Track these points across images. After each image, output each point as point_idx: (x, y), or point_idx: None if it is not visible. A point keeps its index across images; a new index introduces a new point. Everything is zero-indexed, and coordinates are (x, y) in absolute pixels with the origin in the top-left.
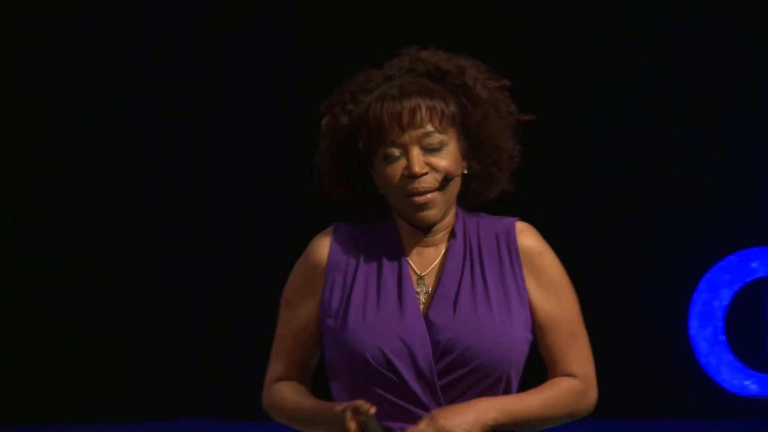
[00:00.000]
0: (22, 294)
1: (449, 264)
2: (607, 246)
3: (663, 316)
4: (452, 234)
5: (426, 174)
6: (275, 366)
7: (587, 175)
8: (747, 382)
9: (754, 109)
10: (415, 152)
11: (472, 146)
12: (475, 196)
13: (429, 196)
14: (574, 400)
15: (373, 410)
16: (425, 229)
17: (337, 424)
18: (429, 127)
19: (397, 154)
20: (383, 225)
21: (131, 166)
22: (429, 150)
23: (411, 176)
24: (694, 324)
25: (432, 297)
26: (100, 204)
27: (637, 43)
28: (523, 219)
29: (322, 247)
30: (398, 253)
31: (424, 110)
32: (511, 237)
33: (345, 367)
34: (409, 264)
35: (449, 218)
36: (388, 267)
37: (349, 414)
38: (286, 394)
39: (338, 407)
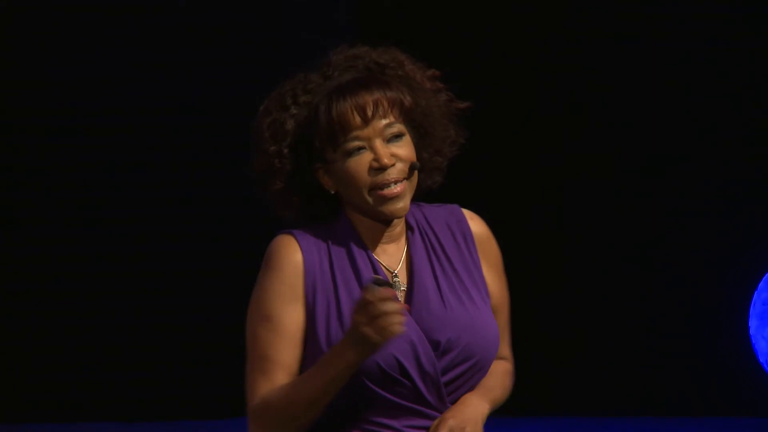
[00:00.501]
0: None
1: (416, 258)
2: (670, 246)
3: (723, 315)
4: (408, 227)
5: (393, 165)
6: (262, 383)
7: (654, 174)
8: None
9: None
10: (380, 144)
11: (419, 136)
12: (420, 185)
13: (399, 187)
14: (511, 382)
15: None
16: (384, 226)
17: (351, 340)
18: (391, 118)
19: (360, 147)
20: (338, 226)
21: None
22: (390, 140)
23: (380, 168)
24: (753, 323)
25: (412, 294)
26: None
27: (702, 40)
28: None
29: (293, 252)
30: (366, 253)
31: (386, 102)
32: (463, 224)
33: (353, 378)
34: (380, 263)
35: None
36: (363, 268)
37: (356, 308)
38: (280, 389)
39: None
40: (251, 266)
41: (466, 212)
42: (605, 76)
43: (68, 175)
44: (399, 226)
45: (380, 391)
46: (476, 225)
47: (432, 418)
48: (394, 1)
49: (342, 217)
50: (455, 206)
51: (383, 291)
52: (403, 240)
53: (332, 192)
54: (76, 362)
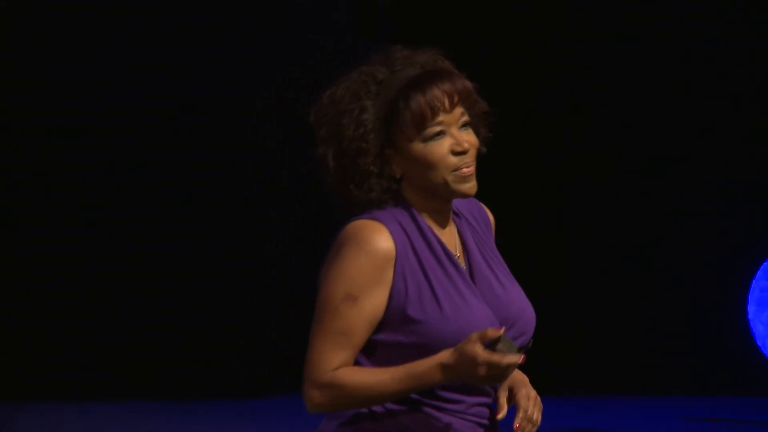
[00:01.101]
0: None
1: (468, 242)
2: (673, 241)
3: (724, 301)
4: (454, 213)
5: (470, 150)
6: (332, 358)
7: (654, 173)
8: None
9: None
10: (457, 130)
11: (473, 126)
12: None
13: (473, 168)
14: None
15: (502, 330)
16: (442, 210)
17: (461, 365)
18: (464, 108)
19: (441, 132)
20: (401, 211)
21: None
22: (462, 128)
23: (461, 152)
24: (752, 309)
25: (473, 275)
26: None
27: (700, 40)
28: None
29: (386, 239)
30: (435, 238)
31: (464, 92)
32: (483, 213)
33: (440, 349)
34: (446, 247)
35: None
36: (438, 252)
37: (479, 349)
38: (362, 373)
39: (455, 352)
40: (250, 263)
41: (480, 203)
42: (605, 76)
43: (68, 168)
44: (449, 213)
45: None
46: (491, 215)
47: (490, 394)
48: (393, 1)
49: (402, 202)
50: (473, 198)
51: (514, 357)
52: (452, 225)
53: (398, 176)
54: (87, 342)
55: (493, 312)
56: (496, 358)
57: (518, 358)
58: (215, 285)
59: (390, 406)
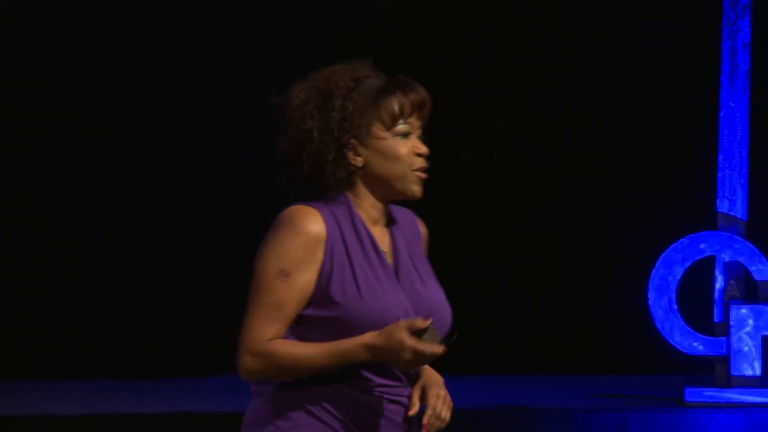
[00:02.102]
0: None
1: (398, 243)
2: (587, 234)
3: (628, 289)
4: (390, 217)
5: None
6: (266, 328)
7: (582, 177)
8: (695, 344)
9: (705, 116)
10: (417, 138)
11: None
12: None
13: (425, 174)
14: None
15: (429, 322)
16: (379, 209)
17: (386, 348)
18: (423, 122)
19: (409, 132)
20: (338, 205)
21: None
22: (420, 138)
23: (421, 155)
24: (652, 295)
25: (399, 272)
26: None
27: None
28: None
29: (317, 223)
30: (366, 231)
31: (430, 108)
32: (416, 225)
33: (357, 329)
34: (375, 240)
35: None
36: (366, 243)
37: (405, 336)
38: (294, 345)
39: (382, 334)
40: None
41: (414, 214)
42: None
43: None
44: (385, 215)
45: None
46: (423, 228)
47: (399, 377)
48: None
49: (340, 198)
50: (407, 209)
51: (438, 348)
52: (385, 227)
53: (360, 165)
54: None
55: (411, 304)
56: (422, 346)
57: (441, 349)
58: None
59: (305, 380)
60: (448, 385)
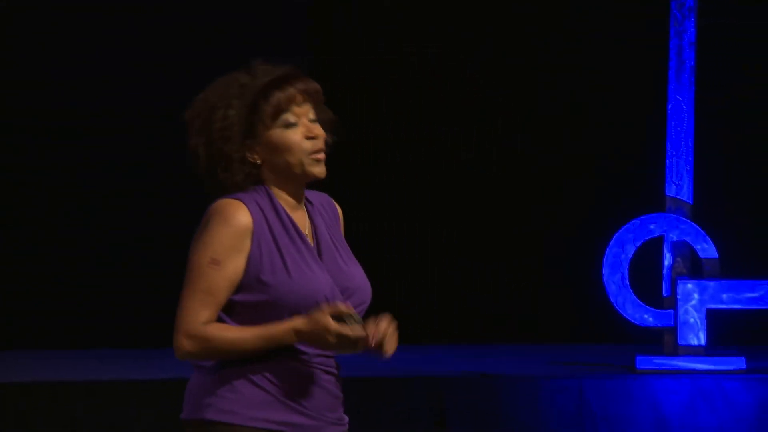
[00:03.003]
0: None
1: (318, 225)
2: (551, 213)
3: (584, 266)
4: (306, 200)
5: (320, 137)
6: (200, 312)
7: (541, 161)
8: (646, 316)
9: (653, 110)
10: (308, 122)
11: (320, 122)
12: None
13: (323, 155)
14: None
15: (351, 309)
16: (296, 195)
17: (312, 332)
18: (312, 105)
19: (295, 122)
20: (260, 195)
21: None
22: (312, 121)
23: (312, 138)
24: (606, 272)
25: (321, 252)
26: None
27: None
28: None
29: (244, 215)
30: (288, 217)
31: (314, 92)
32: (332, 206)
33: (289, 310)
34: (297, 225)
35: None
36: (289, 228)
37: (329, 320)
38: (227, 329)
39: (308, 318)
40: None
41: (331, 198)
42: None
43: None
44: (302, 198)
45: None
46: (339, 210)
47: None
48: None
49: (260, 189)
50: (324, 193)
51: (359, 329)
52: (304, 209)
53: (258, 162)
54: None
55: (335, 282)
56: (345, 330)
57: (364, 333)
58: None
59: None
60: (418, 353)
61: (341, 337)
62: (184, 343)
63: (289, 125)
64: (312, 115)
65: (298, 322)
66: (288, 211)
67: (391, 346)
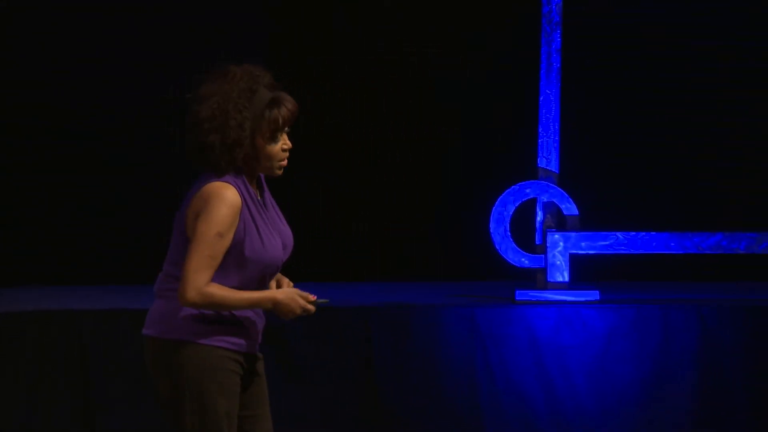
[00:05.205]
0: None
1: (265, 197)
2: (458, 182)
3: (477, 221)
4: (258, 183)
5: None
6: (205, 274)
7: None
8: (523, 260)
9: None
10: (286, 134)
11: None
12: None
13: (286, 162)
14: None
15: (315, 298)
16: (257, 179)
17: (286, 304)
18: (292, 123)
19: (280, 137)
20: (238, 180)
21: None
22: (287, 135)
23: (287, 150)
24: (492, 226)
25: (274, 218)
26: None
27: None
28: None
29: (236, 195)
30: (254, 196)
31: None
32: (262, 182)
33: (258, 270)
34: (258, 201)
35: None
36: (258, 205)
37: (302, 300)
38: (225, 291)
39: (284, 293)
40: None
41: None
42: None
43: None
44: (257, 179)
45: (265, 271)
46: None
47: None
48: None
49: (237, 174)
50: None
51: (315, 307)
52: (257, 188)
53: (238, 159)
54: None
55: (281, 240)
56: (310, 308)
57: (314, 310)
58: None
59: None
60: (347, 288)
61: (304, 311)
62: (193, 296)
63: (276, 139)
64: (287, 130)
65: (278, 295)
66: (253, 190)
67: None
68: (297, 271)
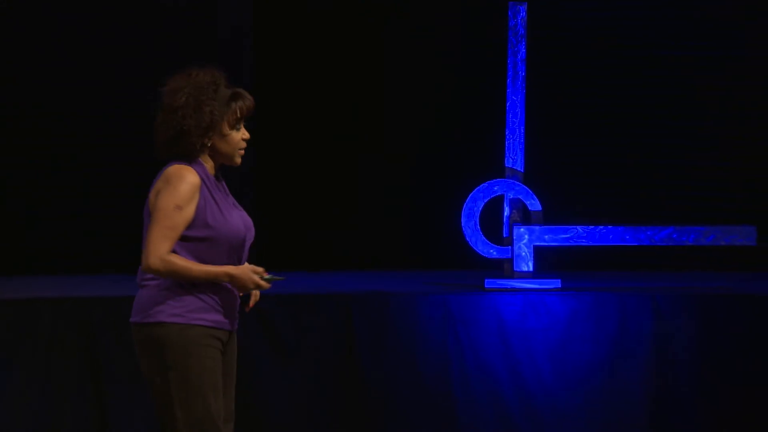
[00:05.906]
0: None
1: (222, 183)
2: (426, 178)
3: (449, 216)
4: (217, 174)
5: None
6: (165, 244)
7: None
8: (492, 251)
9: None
10: (244, 125)
11: None
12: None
13: (244, 150)
14: None
15: (268, 274)
16: (217, 167)
17: (239, 278)
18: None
19: (240, 126)
20: (197, 165)
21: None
22: (245, 126)
23: (245, 140)
24: (464, 220)
25: (233, 202)
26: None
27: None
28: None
29: (195, 175)
30: (214, 180)
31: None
32: (219, 175)
33: (224, 242)
34: (218, 184)
35: None
36: (219, 187)
37: (255, 276)
38: (185, 261)
39: (238, 269)
40: None
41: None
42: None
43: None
44: (217, 167)
45: (232, 249)
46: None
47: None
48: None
49: (198, 160)
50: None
51: (268, 283)
52: (215, 174)
53: (208, 144)
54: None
55: (241, 220)
56: (263, 283)
57: (267, 285)
58: None
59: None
60: (328, 277)
61: (257, 287)
62: (155, 262)
63: (237, 128)
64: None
65: (232, 270)
66: (213, 174)
67: (254, 300)
68: (276, 259)
